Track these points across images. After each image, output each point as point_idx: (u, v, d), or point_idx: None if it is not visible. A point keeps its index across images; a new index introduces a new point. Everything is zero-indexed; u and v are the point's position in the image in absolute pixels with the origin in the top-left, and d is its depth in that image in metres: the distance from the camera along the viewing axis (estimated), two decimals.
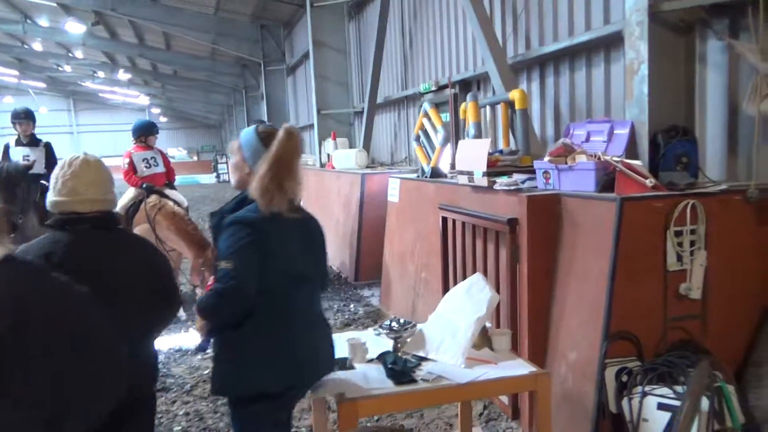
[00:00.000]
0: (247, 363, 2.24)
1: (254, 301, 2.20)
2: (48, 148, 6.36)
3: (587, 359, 3.14)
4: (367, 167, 9.00)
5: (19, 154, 6.19)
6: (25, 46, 25.86)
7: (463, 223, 4.28)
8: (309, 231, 2.45)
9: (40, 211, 5.80)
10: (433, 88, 6.98)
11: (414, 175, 5.98)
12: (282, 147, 2.26)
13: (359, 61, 10.46)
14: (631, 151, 3.40)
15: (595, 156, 3.34)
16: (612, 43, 4.25)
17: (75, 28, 17.00)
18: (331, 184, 9.24)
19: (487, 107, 5.11)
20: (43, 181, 6.25)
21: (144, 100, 38.46)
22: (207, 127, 45.83)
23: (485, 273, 3.98)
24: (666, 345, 3.10)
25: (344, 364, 2.70)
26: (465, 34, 6.69)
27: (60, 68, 31.01)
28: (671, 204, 3.01)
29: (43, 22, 19.98)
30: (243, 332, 2.25)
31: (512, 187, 3.86)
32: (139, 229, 5.90)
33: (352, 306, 6.78)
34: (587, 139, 3.65)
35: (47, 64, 30.01)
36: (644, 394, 2.82)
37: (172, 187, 6.86)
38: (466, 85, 6.58)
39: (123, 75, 26.20)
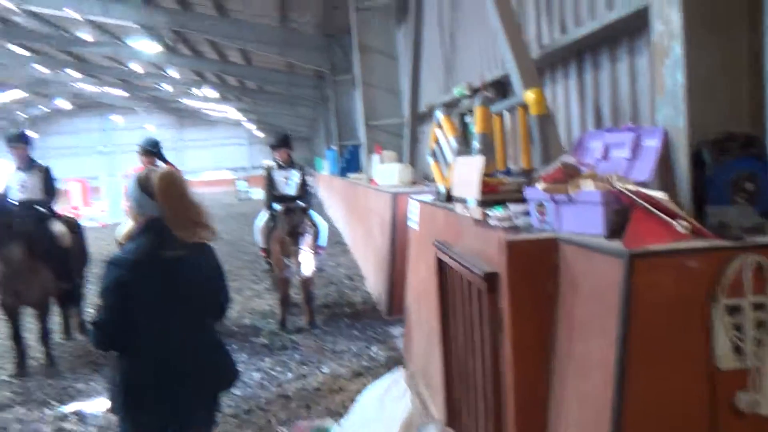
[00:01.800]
0: (112, 386, 2.57)
1: (124, 332, 2.42)
2: (46, 172, 5.98)
3: None
4: (414, 184, 8.05)
5: (15, 180, 5.85)
6: (125, 68, 27.25)
7: (453, 270, 3.25)
8: (191, 265, 2.53)
9: (29, 241, 5.40)
10: (467, 93, 5.94)
11: (431, 198, 4.97)
12: (158, 189, 2.47)
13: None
14: (665, 172, 2.24)
15: (607, 181, 2.23)
16: None
17: (148, 47, 17.41)
18: (370, 203, 8.38)
19: (505, 113, 4.01)
20: (39, 208, 5.89)
21: (237, 115, 39.67)
22: (299, 140, 46.62)
23: (471, 341, 2.92)
24: None
25: None
26: None
27: (160, 87, 32.56)
28: (720, 262, 1.85)
29: (133, 43, 20.81)
30: (123, 359, 2.51)
31: (505, 224, 2.80)
32: None
33: (374, 348, 5.84)
34: (605, 156, 2.52)
35: (148, 84, 31.59)
36: None
37: None
38: (503, 87, 5.47)
39: (208, 91, 26.90)
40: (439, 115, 4.63)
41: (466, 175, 3.28)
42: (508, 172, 3.35)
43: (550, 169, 2.47)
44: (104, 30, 19.36)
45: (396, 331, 6.30)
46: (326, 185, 23.15)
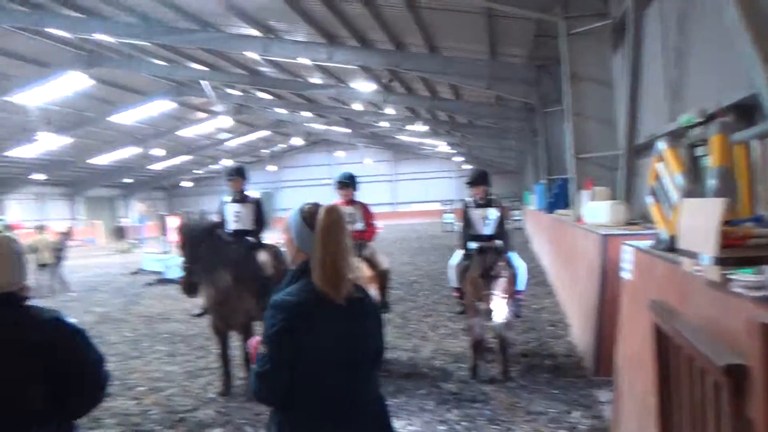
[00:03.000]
0: None
1: (290, 383, 2.18)
2: (257, 204, 6.37)
3: None
4: (629, 224, 7.08)
5: (230, 211, 6.33)
6: (347, 107, 29.53)
7: (677, 345, 2.53)
8: (356, 313, 2.29)
9: (238, 268, 5.76)
10: (697, 120, 5.02)
11: (649, 244, 4.16)
12: (321, 225, 2.25)
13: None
14: None
15: None
16: None
17: (365, 87, 18.47)
18: (577, 244, 7.56)
19: (753, 144, 3.16)
20: (248, 237, 6.28)
21: (446, 148, 40.51)
22: (507, 173, 45.98)
23: None
24: None
25: None
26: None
27: (377, 124, 34.65)
28: None
29: (355, 84, 22.37)
30: (282, 413, 2.25)
31: (756, 294, 2.07)
32: None
33: (575, 414, 5.08)
34: None
35: (367, 121, 33.83)
36: None
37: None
38: (746, 113, 4.47)
39: (419, 126, 27.81)
40: (662, 146, 3.86)
41: (697, 222, 2.58)
42: (758, 220, 2.55)
43: None
44: (330, 73, 21.15)
45: (603, 395, 5.44)
46: (533, 221, 22.27)
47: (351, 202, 6.41)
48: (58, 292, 14.32)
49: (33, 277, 14.36)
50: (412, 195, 52.22)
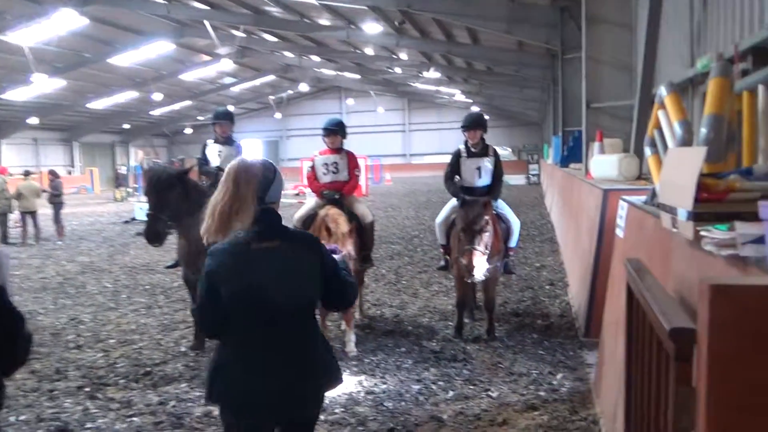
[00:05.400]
0: (209, 374, 2.46)
1: (214, 320, 2.41)
2: (239, 150, 6.13)
3: None
4: (640, 179, 6.66)
5: (214, 151, 6.14)
6: (358, 51, 28.33)
7: (642, 308, 2.20)
8: (283, 259, 2.40)
9: None
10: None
11: (643, 199, 3.79)
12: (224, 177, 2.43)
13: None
14: None
15: None
16: None
17: (375, 29, 17.72)
18: (582, 199, 7.16)
19: (762, 90, 2.73)
20: None
21: (463, 98, 39.40)
22: (529, 124, 44.72)
23: (657, 419, 1.89)
24: None
25: None
26: None
27: (390, 70, 33.40)
28: None
29: (367, 27, 21.47)
30: (218, 347, 2.51)
31: (726, 252, 1.74)
32: None
33: (558, 376, 4.82)
34: None
35: (379, 67, 32.60)
36: None
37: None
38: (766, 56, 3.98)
39: (432, 73, 26.90)
40: (663, 92, 3.44)
41: (678, 174, 2.20)
42: (747, 173, 2.17)
43: None
44: (339, 14, 20.28)
45: (591, 357, 5.18)
46: (548, 175, 21.71)
47: (338, 150, 6.06)
48: (57, 237, 14.12)
49: (18, 224, 13.80)
50: (427, 146, 50.49)
